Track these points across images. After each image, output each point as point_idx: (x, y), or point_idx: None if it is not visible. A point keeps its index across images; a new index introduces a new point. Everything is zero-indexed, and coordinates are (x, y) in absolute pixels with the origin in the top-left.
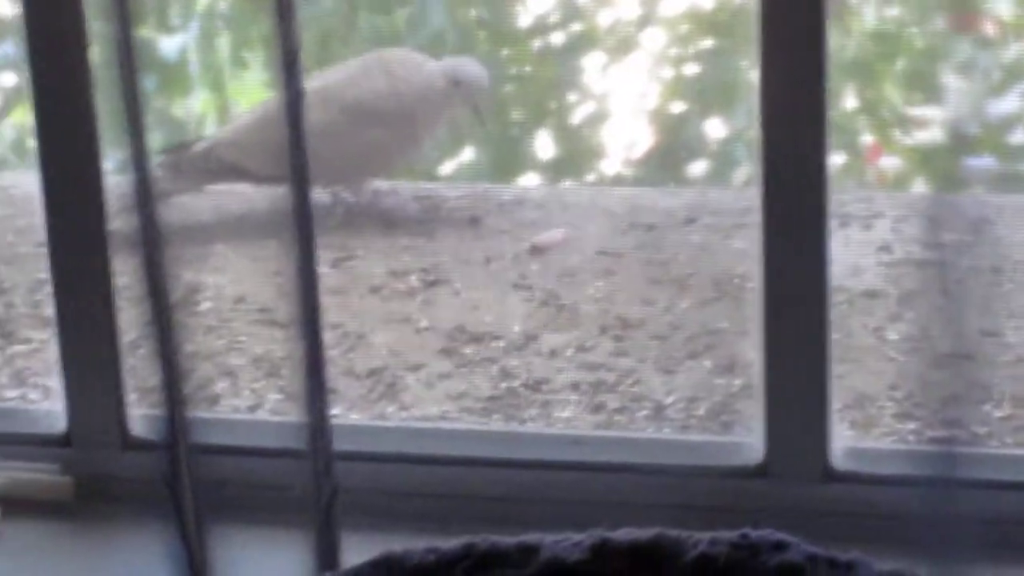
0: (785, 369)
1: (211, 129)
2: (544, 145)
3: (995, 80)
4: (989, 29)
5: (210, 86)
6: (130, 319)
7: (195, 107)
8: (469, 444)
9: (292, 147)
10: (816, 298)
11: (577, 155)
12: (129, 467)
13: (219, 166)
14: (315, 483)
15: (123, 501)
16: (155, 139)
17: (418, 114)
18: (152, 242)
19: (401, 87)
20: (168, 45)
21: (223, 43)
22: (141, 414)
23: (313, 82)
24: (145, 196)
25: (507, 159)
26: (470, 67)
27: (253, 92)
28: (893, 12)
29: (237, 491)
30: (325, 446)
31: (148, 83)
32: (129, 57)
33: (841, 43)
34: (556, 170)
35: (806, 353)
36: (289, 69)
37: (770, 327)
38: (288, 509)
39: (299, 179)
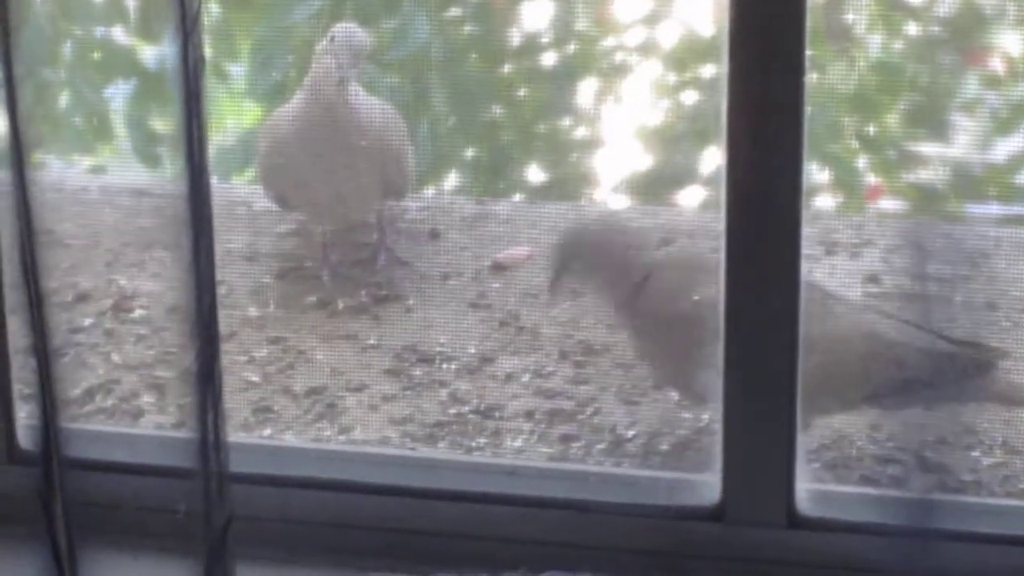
0: (747, 404)
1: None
2: (534, 170)
3: (1002, 119)
4: (998, 66)
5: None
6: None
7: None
8: (391, 472)
9: (186, 135)
10: (785, 329)
11: (568, 180)
12: (14, 481)
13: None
14: (206, 507)
15: (6, 518)
16: (126, 148)
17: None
18: (30, 246)
19: None
20: (150, 53)
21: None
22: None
23: None
24: (24, 199)
25: (496, 183)
26: (347, 28)
27: (231, 105)
28: (898, 45)
29: (121, 512)
30: (219, 466)
31: (125, 89)
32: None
33: (845, 75)
34: (545, 196)
35: (771, 387)
36: (187, 36)
37: (731, 358)
38: (178, 534)
39: (196, 173)
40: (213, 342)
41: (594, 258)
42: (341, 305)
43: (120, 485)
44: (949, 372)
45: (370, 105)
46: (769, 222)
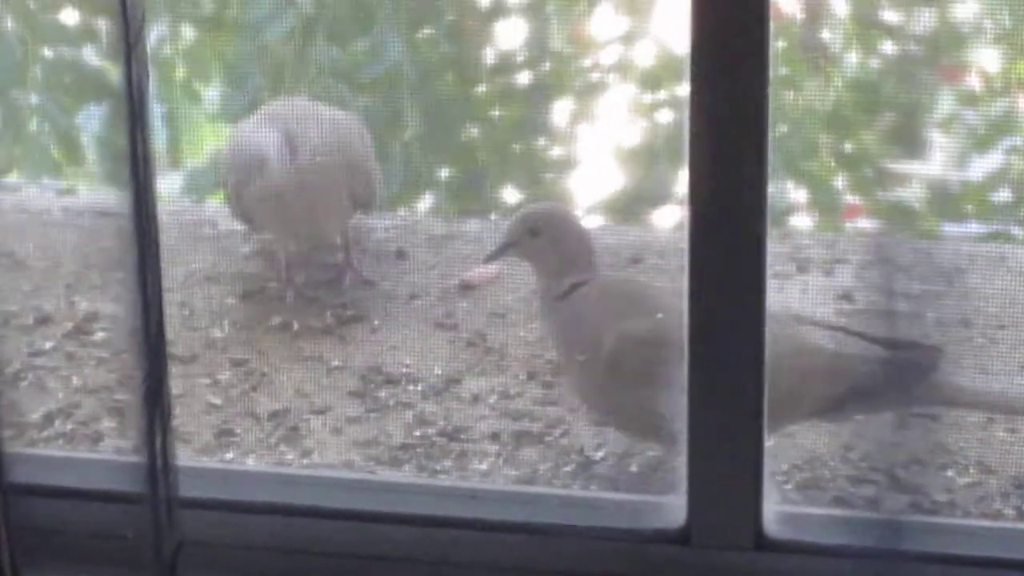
0: (712, 424)
1: (162, 167)
2: (509, 189)
3: (979, 136)
4: (975, 83)
5: (162, 118)
6: None
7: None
8: (349, 495)
9: (131, 151)
10: (750, 348)
11: (543, 200)
12: None
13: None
14: (155, 532)
15: None
16: (93, 172)
17: None
18: None
19: None
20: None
21: (178, 75)
22: None
23: None
24: None
25: (470, 203)
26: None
27: (203, 127)
28: (875, 63)
29: (68, 538)
30: (168, 491)
31: (98, 112)
32: None
33: (821, 93)
34: None
35: (737, 407)
36: (130, 50)
37: (696, 377)
38: (126, 561)
39: (141, 191)
40: (161, 364)
41: (553, 239)
42: (300, 326)
43: (67, 510)
44: (890, 377)
45: (332, 118)
46: (732, 240)
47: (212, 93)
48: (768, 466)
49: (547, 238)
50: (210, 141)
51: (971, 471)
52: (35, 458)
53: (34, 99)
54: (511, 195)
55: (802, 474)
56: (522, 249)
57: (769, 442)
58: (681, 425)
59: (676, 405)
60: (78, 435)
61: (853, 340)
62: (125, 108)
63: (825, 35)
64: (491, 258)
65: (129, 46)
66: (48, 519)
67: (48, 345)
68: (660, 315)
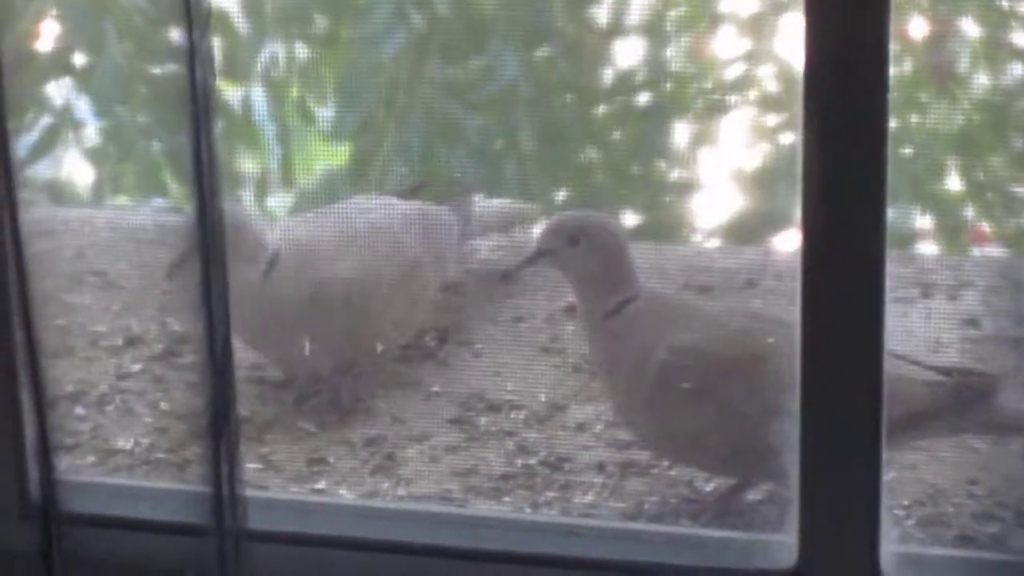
0: (827, 457)
1: (275, 186)
2: (628, 214)
3: None
4: None
5: (276, 139)
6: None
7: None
8: (437, 530)
9: (195, 156)
10: (868, 376)
11: (662, 224)
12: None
13: None
14: (221, 567)
15: None
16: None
17: None
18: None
19: None
20: (233, 95)
21: (291, 94)
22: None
23: None
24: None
25: None
26: None
27: (317, 148)
28: (1003, 84)
29: (123, 573)
30: (236, 523)
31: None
32: None
33: (947, 115)
34: (638, 239)
35: (853, 438)
36: (194, 49)
37: (808, 405)
38: None
39: (206, 197)
40: (229, 386)
41: (594, 248)
42: (398, 350)
43: (127, 543)
44: (946, 402)
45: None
46: (848, 264)
47: (326, 113)
48: (886, 502)
49: (587, 247)
50: (323, 161)
51: None
52: (98, 487)
53: (141, 118)
54: (629, 218)
55: (924, 510)
56: (558, 259)
57: (888, 475)
58: (792, 457)
59: (785, 436)
60: (164, 462)
61: (907, 366)
62: (189, 109)
63: (953, 56)
64: (519, 268)
65: (193, 45)
66: (107, 552)
67: (136, 367)
68: (771, 339)
